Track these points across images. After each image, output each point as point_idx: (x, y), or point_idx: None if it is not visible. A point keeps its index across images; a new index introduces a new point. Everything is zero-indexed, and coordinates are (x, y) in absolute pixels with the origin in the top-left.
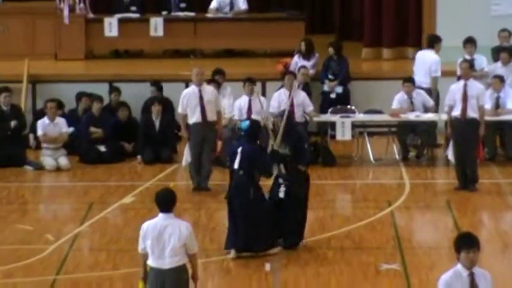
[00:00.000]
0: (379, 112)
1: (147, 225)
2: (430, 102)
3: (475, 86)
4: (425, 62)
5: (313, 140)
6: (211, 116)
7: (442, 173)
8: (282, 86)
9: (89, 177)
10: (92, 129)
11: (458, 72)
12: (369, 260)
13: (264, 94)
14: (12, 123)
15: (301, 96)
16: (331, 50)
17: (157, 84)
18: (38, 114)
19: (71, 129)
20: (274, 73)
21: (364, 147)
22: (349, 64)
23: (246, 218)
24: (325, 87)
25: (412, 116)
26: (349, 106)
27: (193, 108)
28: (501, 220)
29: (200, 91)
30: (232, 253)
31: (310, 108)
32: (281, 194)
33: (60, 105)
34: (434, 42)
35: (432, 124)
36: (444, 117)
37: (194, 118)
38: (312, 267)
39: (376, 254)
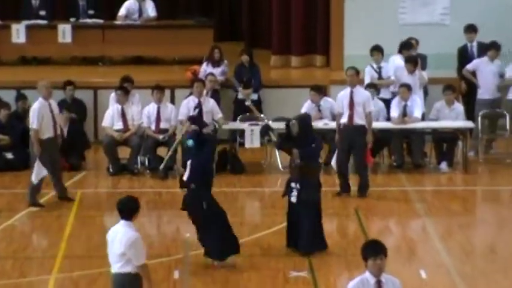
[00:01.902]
0: (288, 120)
1: (111, 229)
2: (367, 109)
3: (361, 93)
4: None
5: (222, 147)
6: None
7: (351, 180)
8: (190, 94)
9: None
10: None
11: (366, 80)
12: (277, 267)
13: (172, 101)
14: None
15: (210, 104)
16: (245, 58)
17: (72, 83)
18: None
19: None
20: (183, 80)
21: (273, 155)
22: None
23: (204, 229)
24: (239, 95)
25: (320, 124)
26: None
27: (47, 123)
28: (408, 227)
29: (50, 105)
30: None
31: (219, 115)
32: (293, 199)
33: None
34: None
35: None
36: None
37: (48, 133)
38: (221, 274)
39: (285, 261)
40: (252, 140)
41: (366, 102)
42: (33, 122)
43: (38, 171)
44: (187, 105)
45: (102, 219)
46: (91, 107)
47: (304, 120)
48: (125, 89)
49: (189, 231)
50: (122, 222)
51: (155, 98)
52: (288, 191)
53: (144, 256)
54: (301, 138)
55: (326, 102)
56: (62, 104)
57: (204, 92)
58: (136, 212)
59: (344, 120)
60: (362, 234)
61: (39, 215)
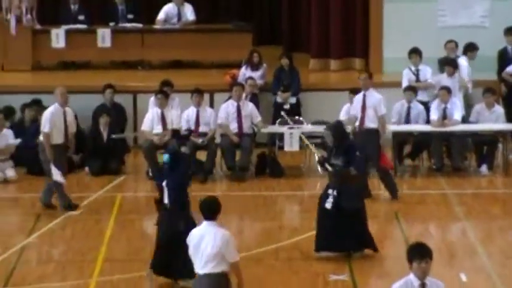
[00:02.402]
0: (327, 123)
1: (192, 233)
2: (379, 112)
3: (373, 97)
4: None
5: (261, 151)
6: (71, 138)
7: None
8: (229, 97)
9: (36, 188)
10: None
11: (404, 83)
12: (317, 270)
13: (211, 105)
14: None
15: (249, 107)
16: (285, 61)
17: (112, 86)
18: None
19: (18, 140)
20: (222, 84)
21: (312, 158)
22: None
23: (178, 250)
24: (278, 99)
25: None
26: (297, 117)
27: (58, 130)
28: (448, 230)
29: (64, 112)
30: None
31: (258, 119)
32: (328, 205)
33: (10, 111)
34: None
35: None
36: (392, 128)
37: (58, 139)
38: (259, 278)
39: (325, 265)
40: (291, 143)
41: (378, 106)
42: (44, 126)
43: (57, 175)
44: (226, 109)
45: (142, 223)
46: (130, 111)
47: (337, 128)
48: (165, 92)
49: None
50: (206, 223)
51: (194, 101)
52: (323, 197)
53: (237, 253)
54: (338, 147)
55: None
56: (101, 108)
57: (243, 95)
58: (219, 212)
59: (357, 123)
60: (402, 237)
61: (79, 218)
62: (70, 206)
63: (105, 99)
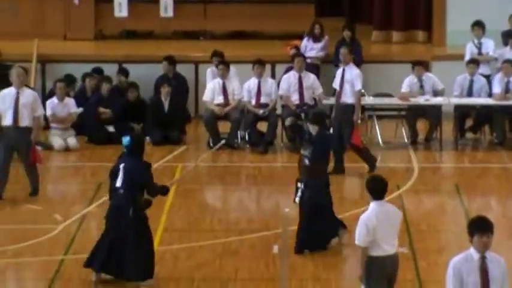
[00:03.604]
0: (389, 95)
1: (374, 216)
2: (440, 86)
3: (352, 71)
4: None
5: None
6: (24, 121)
7: (450, 157)
8: (290, 68)
9: (98, 157)
10: (101, 109)
11: (467, 56)
12: None
13: (273, 76)
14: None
15: (310, 79)
16: (347, 33)
17: (169, 58)
18: (50, 95)
19: (80, 109)
20: (283, 55)
21: (374, 131)
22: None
23: (122, 242)
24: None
25: (421, 100)
26: None
27: (6, 110)
28: (509, 204)
29: (18, 93)
30: (94, 276)
31: (319, 90)
32: (296, 199)
33: (71, 79)
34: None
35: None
36: (454, 101)
37: (6, 121)
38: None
39: None
40: None
41: (355, 81)
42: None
43: None
44: (287, 80)
45: (202, 193)
46: (192, 82)
47: (323, 119)
48: (226, 63)
49: (289, 206)
50: (376, 203)
51: (256, 72)
52: (296, 191)
53: None
54: (318, 139)
55: (428, 78)
56: (163, 78)
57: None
58: (387, 190)
59: (296, 102)
60: (463, 211)
61: None
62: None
63: (166, 70)
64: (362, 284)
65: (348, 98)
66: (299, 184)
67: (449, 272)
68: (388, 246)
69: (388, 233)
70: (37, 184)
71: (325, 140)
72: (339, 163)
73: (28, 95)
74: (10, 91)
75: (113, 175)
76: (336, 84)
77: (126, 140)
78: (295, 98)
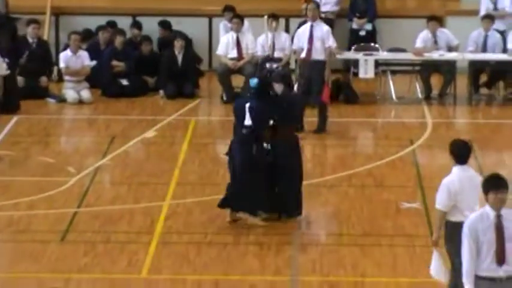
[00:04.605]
0: (403, 50)
1: (457, 180)
2: (454, 41)
3: (321, 28)
4: None
5: (335, 77)
6: None
7: (464, 112)
8: (304, 23)
9: (111, 110)
10: (115, 62)
11: (482, 12)
12: (389, 198)
13: (287, 30)
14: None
15: (322, 30)
16: None
17: (164, 23)
18: (65, 48)
19: (94, 62)
20: (297, 9)
21: (387, 86)
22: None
23: (243, 176)
24: (354, 25)
25: (435, 55)
26: (372, 44)
27: None
28: None
29: None
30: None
31: (333, 45)
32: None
33: (89, 34)
34: None
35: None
36: (468, 56)
37: None
38: (332, 204)
39: (397, 192)
40: (366, 70)
41: (326, 37)
42: None
43: None
44: (302, 34)
45: (215, 147)
46: (205, 35)
47: (288, 79)
48: (240, 17)
49: None
50: (460, 167)
51: (270, 26)
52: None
53: None
54: (283, 98)
55: (442, 33)
56: (176, 32)
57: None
58: (470, 155)
59: (303, 55)
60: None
61: (153, 141)
62: None
63: (159, 34)
64: (435, 248)
65: (318, 55)
66: (265, 145)
67: (464, 231)
68: (468, 212)
69: (470, 199)
70: None
71: (291, 100)
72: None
73: None
74: None
75: (238, 112)
76: (300, 42)
77: (253, 82)
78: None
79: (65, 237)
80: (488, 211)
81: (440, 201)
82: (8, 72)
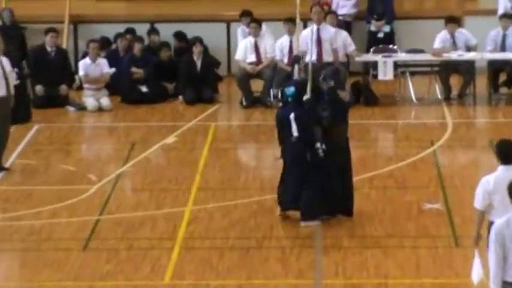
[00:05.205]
0: (421, 51)
1: (492, 180)
2: (473, 41)
3: (328, 30)
4: None
5: (355, 80)
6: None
7: (484, 112)
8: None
9: (131, 117)
10: (134, 69)
11: (500, 10)
12: (411, 199)
13: None
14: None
15: (330, 32)
16: None
17: (179, 34)
18: (83, 56)
19: (113, 69)
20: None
21: (406, 87)
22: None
23: (307, 182)
24: (372, 27)
25: (454, 55)
26: (391, 46)
27: None
28: None
29: (1, 61)
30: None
31: (351, 48)
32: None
33: (107, 42)
34: None
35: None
36: (487, 56)
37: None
38: (354, 206)
39: (419, 194)
40: (385, 72)
41: (333, 39)
42: None
43: None
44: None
45: (236, 152)
46: (224, 40)
47: (337, 75)
48: (258, 21)
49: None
50: (508, 167)
51: (287, 30)
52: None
53: None
54: (332, 96)
55: (461, 33)
56: (195, 38)
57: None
58: None
59: (313, 58)
60: (497, 166)
61: (174, 147)
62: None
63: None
64: (476, 247)
65: (328, 57)
66: (318, 144)
67: (491, 237)
68: (508, 213)
69: (508, 200)
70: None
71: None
72: None
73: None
74: None
75: (281, 124)
76: (303, 45)
77: (290, 90)
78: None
79: (87, 245)
80: None
81: (477, 199)
82: (18, 81)
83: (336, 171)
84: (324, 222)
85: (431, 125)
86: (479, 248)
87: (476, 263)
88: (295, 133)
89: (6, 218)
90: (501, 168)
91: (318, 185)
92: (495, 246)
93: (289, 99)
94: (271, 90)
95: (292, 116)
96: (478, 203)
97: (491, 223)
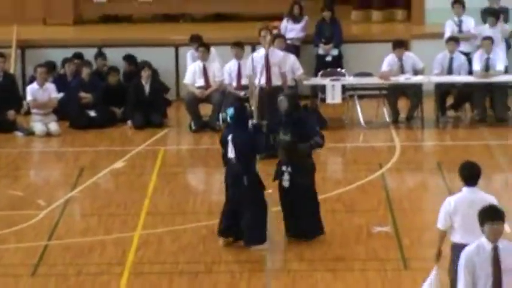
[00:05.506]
0: (369, 75)
1: (453, 201)
2: (420, 64)
3: (277, 54)
4: None
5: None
6: None
7: (432, 135)
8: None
9: (80, 142)
10: (82, 94)
11: (447, 34)
12: (360, 222)
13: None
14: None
15: (278, 56)
16: (326, 13)
17: (129, 57)
18: (31, 81)
19: (61, 94)
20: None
21: (355, 110)
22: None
23: (243, 208)
24: (320, 51)
25: (402, 79)
26: (339, 69)
27: None
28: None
29: None
30: (222, 242)
31: (299, 72)
32: (285, 183)
33: (52, 66)
34: None
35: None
36: (434, 79)
37: None
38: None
39: (368, 216)
40: (334, 95)
41: (282, 63)
42: None
43: None
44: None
45: (185, 176)
46: (172, 64)
47: (294, 97)
48: (206, 45)
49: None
50: (468, 189)
51: (235, 54)
52: (278, 174)
53: None
54: (288, 120)
55: (408, 57)
56: (143, 62)
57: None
58: (480, 177)
59: (262, 82)
60: (445, 188)
61: (123, 172)
62: None
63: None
64: (436, 263)
65: (276, 81)
66: (284, 167)
67: (461, 262)
68: (469, 236)
69: (469, 221)
70: None
71: (301, 118)
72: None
73: None
74: None
75: (223, 144)
76: (248, 70)
77: (230, 111)
78: (262, 77)
79: (36, 270)
80: (485, 243)
81: (439, 219)
82: None
83: (302, 193)
84: (272, 245)
85: (380, 148)
86: (438, 264)
87: (432, 275)
88: (229, 154)
89: None
90: (465, 190)
91: (259, 208)
92: (464, 273)
93: (229, 120)
94: (220, 115)
95: (229, 137)
96: (440, 223)
97: (453, 244)
